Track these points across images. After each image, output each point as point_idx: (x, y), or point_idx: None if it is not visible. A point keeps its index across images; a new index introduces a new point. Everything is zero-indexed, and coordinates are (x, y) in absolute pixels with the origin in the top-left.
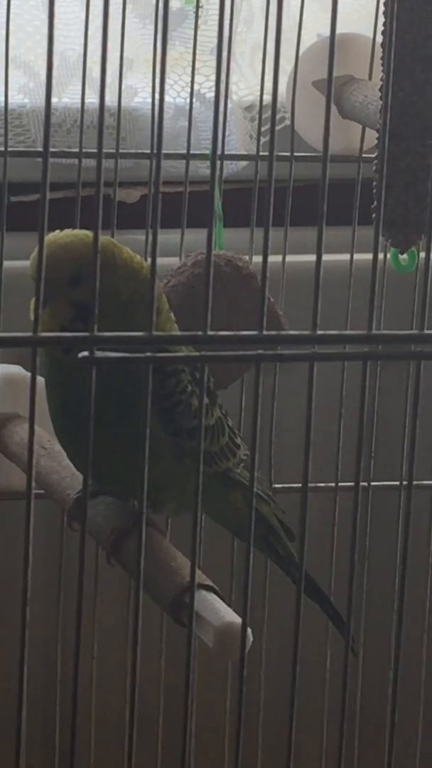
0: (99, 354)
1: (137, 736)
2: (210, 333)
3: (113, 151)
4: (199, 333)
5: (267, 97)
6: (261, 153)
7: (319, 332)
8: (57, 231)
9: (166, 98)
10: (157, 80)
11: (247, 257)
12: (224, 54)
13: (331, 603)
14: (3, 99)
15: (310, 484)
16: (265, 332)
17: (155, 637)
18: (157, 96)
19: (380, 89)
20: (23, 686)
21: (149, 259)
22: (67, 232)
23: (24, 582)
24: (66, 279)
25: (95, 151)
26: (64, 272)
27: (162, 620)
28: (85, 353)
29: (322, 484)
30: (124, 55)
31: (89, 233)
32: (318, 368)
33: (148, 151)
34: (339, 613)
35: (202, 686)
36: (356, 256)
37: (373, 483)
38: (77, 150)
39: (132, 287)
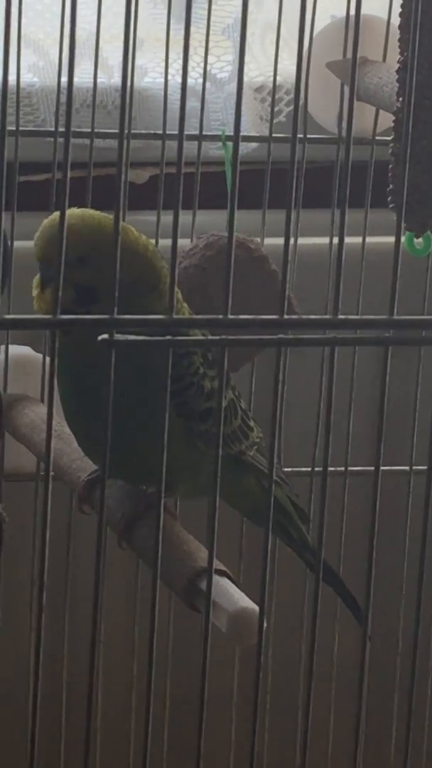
0: (119, 337)
1: (140, 720)
2: (231, 317)
3: (125, 131)
4: (220, 316)
5: (278, 78)
6: (274, 135)
7: (340, 317)
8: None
9: (177, 78)
10: (180, 62)
11: (258, 239)
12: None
13: (343, 584)
14: (14, 78)
15: (317, 468)
16: (285, 316)
17: (162, 619)
18: (178, 78)
19: (397, 71)
20: (39, 669)
21: (160, 241)
22: (73, 211)
23: (41, 564)
24: (71, 260)
25: (107, 131)
26: (70, 254)
27: (170, 603)
28: (105, 336)
29: (332, 468)
30: (137, 36)
31: (95, 214)
32: (326, 353)
33: (158, 132)
34: (352, 596)
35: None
36: (368, 239)
37: (384, 468)
38: (89, 130)
39: (136, 270)
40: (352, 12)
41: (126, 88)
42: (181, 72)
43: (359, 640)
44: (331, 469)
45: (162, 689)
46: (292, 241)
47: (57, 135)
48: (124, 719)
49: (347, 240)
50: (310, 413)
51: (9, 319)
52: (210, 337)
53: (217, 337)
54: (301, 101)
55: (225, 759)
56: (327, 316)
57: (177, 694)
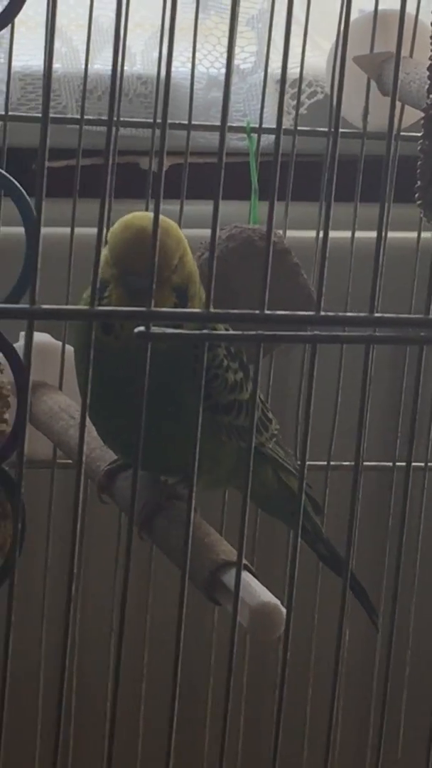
0: (155, 330)
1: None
2: (267, 312)
3: (149, 120)
4: (257, 312)
5: (297, 70)
6: (299, 128)
7: (377, 314)
8: (131, 215)
9: (200, 68)
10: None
11: (281, 232)
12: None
13: (355, 577)
14: (43, 65)
15: (332, 462)
16: (322, 313)
17: (171, 609)
18: (200, 68)
19: (428, 68)
20: (66, 659)
21: (183, 230)
22: (145, 215)
23: (72, 553)
24: (172, 266)
25: (129, 119)
26: (173, 260)
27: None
28: (142, 328)
29: (347, 463)
30: (157, 23)
31: (162, 217)
32: (341, 349)
33: (180, 121)
34: (364, 589)
35: (217, 662)
36: (390, 234)
37: (401, 463)
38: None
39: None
40: (381, 7)
41: (170, 74)
42: (203, 61)
43: (370, 633)
44: (345, 463)
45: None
46: (312, 234)
47: (83, 122)
48: (134, 708)
49: (369, 235)
50: (326, 407)
51: (47, 310)
52: (245, 332)
53: (253, 333)
54: (319, 95)
55: (233, 748)
56: (363, 314)
57: (183, 682)
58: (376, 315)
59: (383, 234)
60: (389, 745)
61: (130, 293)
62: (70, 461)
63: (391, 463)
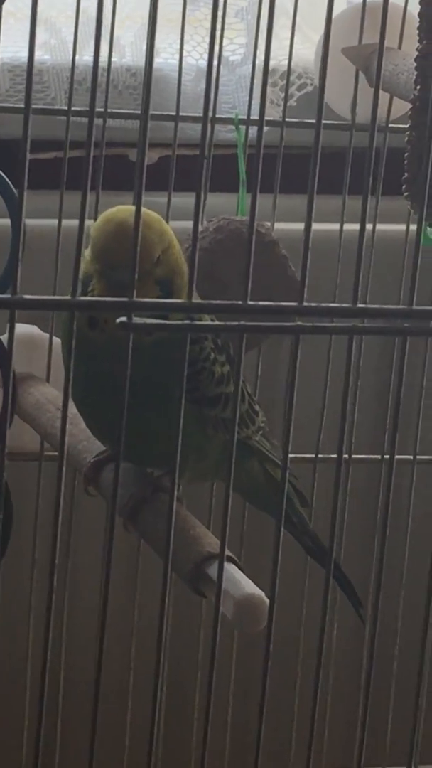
0: (137, 320)
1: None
2: (250, 303)
3: (136, 112)
4: (239, 302)
5: (285, 62)
6: (288, 119)
7: (360, 305)
8: (115, 208)
9: (189, 60)
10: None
11: (269, 223)
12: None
13: (341, 569)
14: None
15: (320, 455)
16: (305, 304)
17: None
18: (189, 59)
19: (415, 59)
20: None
21: (170, 222)
22: (127, 209)
23: (53, 545)
24: (154, 259)
25: (118, 111)
26: (154, 252)
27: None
28: (123, 319)
29: (334, 456)
30: (147, 15)
31: (145, 210)
32: (328, 340)
33: (169, 113)
34: (349, 580)
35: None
36: (378, 227)
37: (387, 456)
38: (100, 109)
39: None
40: None
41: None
42: (192, 53)
43: (357, 627)
44: (333, 456)
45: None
46: (300, 226)
47: (70, 114)
48: (122, 702)
49: (357, 227)
50: (314, 400)
51: (28, 300)
52: (228, 323)
53: (235, 323)
54: (309, 87)
55: (220, 742)
56: (347, 305)
57: (172, 678)
58: (360, 306)
59: (366, 225)
60: (378, 740)
61: (112, 287)
62: (57, 453)
63: (379, 456)
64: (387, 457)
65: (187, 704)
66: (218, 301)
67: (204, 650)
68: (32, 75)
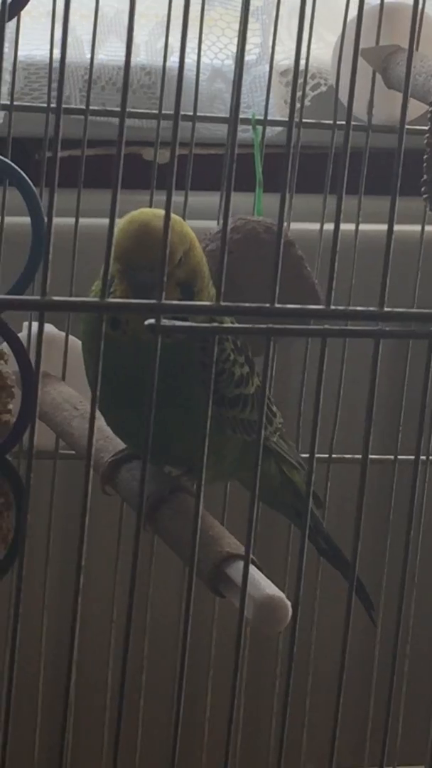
0: (165, 322)
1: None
2: (277, 306)
3: (154, 111)
4: (266, 305)
5: (302, 62)
6: (304, 120)
7: (386, 309)
8: (139, 210)
9: (204, 59)
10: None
11: (285, 224)
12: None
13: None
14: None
15: (334, 455)
16: (332, 307)
17: (173, 600)
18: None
19: None
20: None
21: (189, 221)
22: (153, 212)
23: (80, 546)
24: (175, 261)
25: (133, 110)
26: (176, 254)
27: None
28: (152, 321)
29: (348, 456)
30: (161, 13)
31: (158, 212)
32: (341, 343)
33: (186, 113)
34: (362, 583)
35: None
36: (396, 227)
37: (402, 457)
38: (116, 108)
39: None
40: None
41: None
42: (207, 53)
43: (369, 627)
44: (347, 456)
45: (171, 670)
46: (317, 226)
47: (88, 113)
48: (134, 699)
49: (372, 227)
50: (327, 400)
51: (58, 301)
52: (255, 325)
53: (263, 326)
54: (323, 87)
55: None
56: (373, 308)
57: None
58: (386, 309)
59: (392, 229)
60: (388, 739)
61: (134, 288)
62: (73, 452)
63: (392, 457)
64: (403, 458)
65: (198, 703)
66: (246, 304)
67: (216, 648)
68: (52, 75)
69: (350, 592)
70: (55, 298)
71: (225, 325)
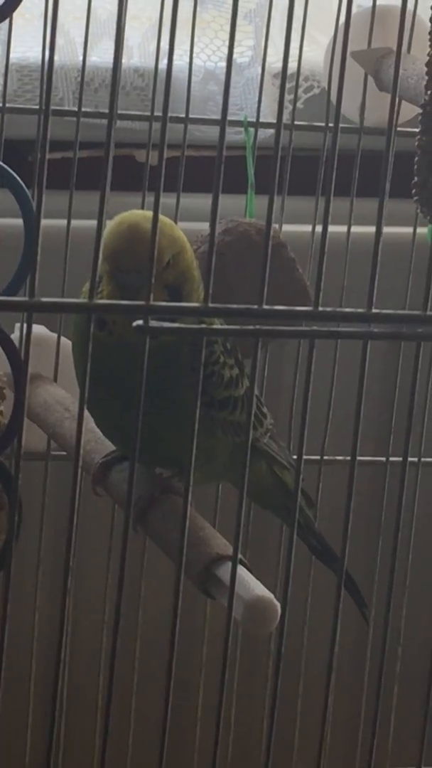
0: (153, 324)
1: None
2: (265, 307)
3: (146, 113)
4: (254, 306)
5: (294, 65)
6: (296, 122)
7: (374, 311)
8: (128, 212)
9: (197, 62)
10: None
11: (277, 226)
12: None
13: (346, 571)
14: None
15: (326, 457)
16: (320, 308)
17: (164, 603)
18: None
19: (426, 64)
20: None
21: (179, 224)
22: (143, 215)
23: (68, 546)
24: (163, 264)
25: (125, 112)
26: (163, 257)
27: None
28: (140, 322)
29: (340, 458)
30: (154, 16)
31: (147, 214)
32: (336, 344)
33: (177, 115)
34: (355, 582)
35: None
36: (385, 229)
37: (394, 458)
38: (106, 110)
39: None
40: (379, 2)
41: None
42: (200, 55)
43: (361, 627)
44: (338, 458)
45: (160, 671)
46: (308, 228)
47: (80, 115)
48: (126, 700)
49: (363, 230)
50: (319, 402)
51: (46, 302)
52: (244, 327)
53: (251, 327)
54: (316, 90)
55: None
56: (361, 310)
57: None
58: (374, 311)
59: (381, 230)
60: (380, 741)
61: (122, 289)
62: (64, 453)
63: (384, 458)
64: (395, 459)
65: (190, 703)
66: (234, 306)
67: (207, 649)
68: (44, 79)
69: (339, 587)
70: (44, 299)
71: (213, 326)
